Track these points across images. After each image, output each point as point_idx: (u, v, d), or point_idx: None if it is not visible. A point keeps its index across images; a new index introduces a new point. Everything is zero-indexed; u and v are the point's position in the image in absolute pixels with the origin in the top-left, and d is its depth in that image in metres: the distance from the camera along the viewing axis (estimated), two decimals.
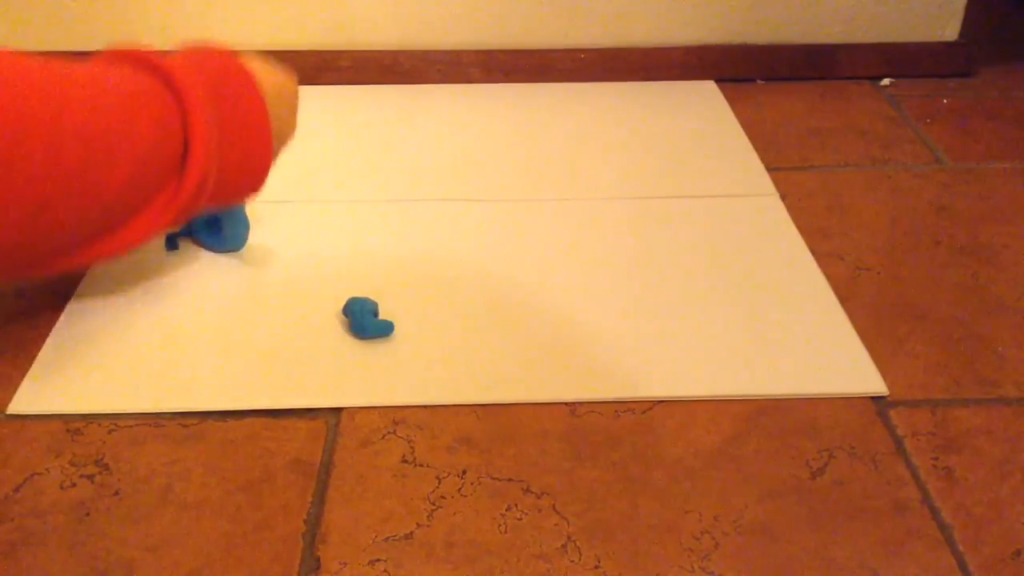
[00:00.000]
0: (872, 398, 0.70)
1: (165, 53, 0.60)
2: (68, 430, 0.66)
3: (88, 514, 0.60)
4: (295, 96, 0.73)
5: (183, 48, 0.65)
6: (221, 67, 0.63)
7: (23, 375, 0.70)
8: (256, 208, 0.82)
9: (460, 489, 0.62)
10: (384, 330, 0.73)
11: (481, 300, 0.78)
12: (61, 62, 0.51)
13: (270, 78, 0.68)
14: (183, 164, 0.55)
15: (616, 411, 0.68)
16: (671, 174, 0.97)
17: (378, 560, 0.57)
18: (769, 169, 0.98)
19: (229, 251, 0.82)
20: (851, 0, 1.15)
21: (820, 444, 0.66)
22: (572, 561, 0.57)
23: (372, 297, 0.76)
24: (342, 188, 0.94)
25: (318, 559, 0.57)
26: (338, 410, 0.68)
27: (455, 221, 0.89)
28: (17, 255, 0.50)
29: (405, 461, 0.64)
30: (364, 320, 0.73)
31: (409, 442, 0.65)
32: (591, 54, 1.15)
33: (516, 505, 0.61)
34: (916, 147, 1.04)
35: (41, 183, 0.47)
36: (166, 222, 0.56)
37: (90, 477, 0.63)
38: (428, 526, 0.59)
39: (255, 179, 0.67)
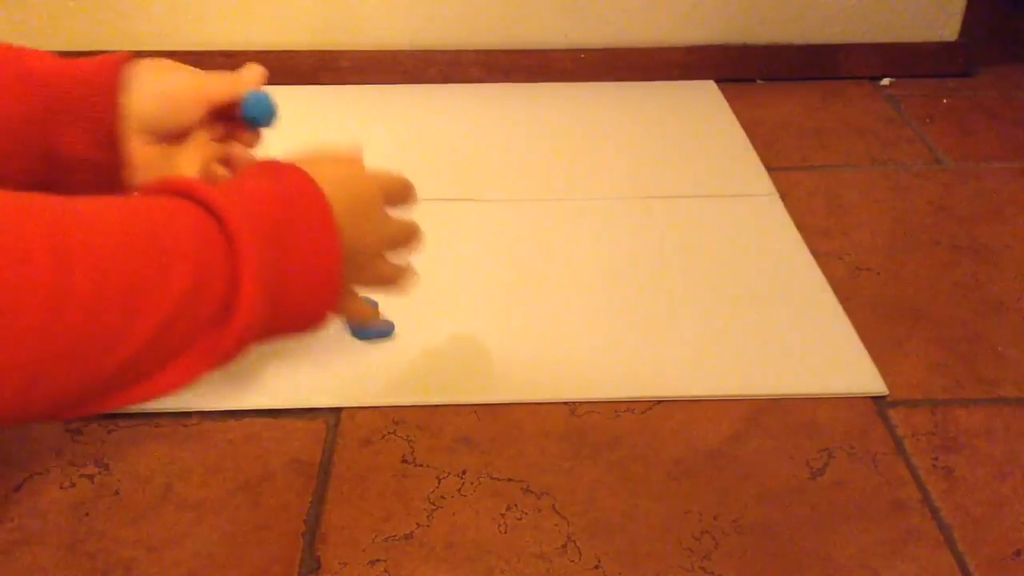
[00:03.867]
0: (872, 398, 0.70)
1: (225, 181, 0.53)
2: (68, 430, 0.66)
3: (88, 514, 0.60)
4: (374, 202, 0.60)
5: (248, 168, 0.57)
6: (287, 194, 0.54)
7: None
8: None
9: (460, 489, 0.62)
10: (384, 331, 0.73)
11: (481, 300, 0.78)
12: (87, 203, 0.45)
13: (344, 190, 0.56)
14: (230, 309, 0.48)
15: (616, 411, 0.68)
16: (671, 174, 0.97)
17: (378, 560, 0.57)
18: (769, 169, 0.98)
19: None
20: (851, 0, 1.15)
21: (820, 444, 0.66)
22: (572, 561, 0.57)
23: (372, 297, 0.76)
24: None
25: (318, 559, 0.57)
26: (338, 410, 0.68)
27: (455, 221, 0.89)
28: (22, 418, 0.44)
29: (405, 461, 0.64)
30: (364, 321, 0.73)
31: (409, 442, 0.65)
32: (591, 54, 1.15)
33: (516, 505, 0.61)
34: (916, 147, 1.04)
35: (33, 353, 0.41)
36: (207, 368, 0.49)
37: (90, 477, 0.63)
38: (428, 526, 0.59)
39: (315, 318, 0.56)
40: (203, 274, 0.47)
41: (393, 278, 0.61)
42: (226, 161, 0.68)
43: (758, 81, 1.18)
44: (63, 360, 0.43)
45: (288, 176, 0.54)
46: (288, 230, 0.52)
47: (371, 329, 0.73)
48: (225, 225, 0.48)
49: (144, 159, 0.63)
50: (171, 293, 0.45)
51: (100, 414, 0.49)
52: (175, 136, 0.64)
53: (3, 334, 0.40)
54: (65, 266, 0.42)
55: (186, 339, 0.47)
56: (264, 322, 0.50)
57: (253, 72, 0.69)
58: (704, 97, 1.13)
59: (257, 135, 0.70)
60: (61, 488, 0.62)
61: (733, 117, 1.08)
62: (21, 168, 0.62)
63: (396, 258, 0.61)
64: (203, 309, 0.47)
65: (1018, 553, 0.58)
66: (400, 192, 0.63)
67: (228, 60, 1.13)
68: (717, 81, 1.16)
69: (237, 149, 0.70)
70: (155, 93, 0.63)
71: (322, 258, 0.53)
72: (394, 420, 0.67)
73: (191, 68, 0.66)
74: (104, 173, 0.63)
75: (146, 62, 0.65)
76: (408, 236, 0.63)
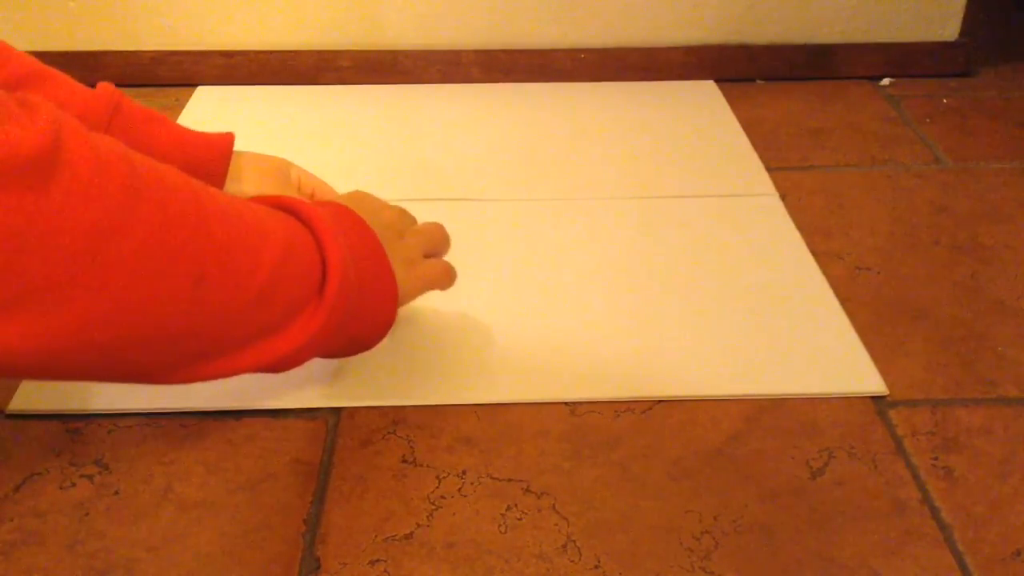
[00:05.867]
0: (872, 398, 0.70)
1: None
2: (67, 430, 0.66)
3: (88, 514, 0.60)
4: (395, 228, 0.68)
5: (319, 201, 0.64)
6: (356, 226, 0.61)
7: None
8: None
9: (460, 489, 0.62)
10: None
11: (481, 300, 0.78)
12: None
13: (376, 220, 0.64)
14: (322, 288, 0.54)
15: (616, 411, 0.68)
16: (671, 174, 0.97)
17: (378, 560, 0.57)
18: (769, 169, 0.98)
19: None
20: (851, 0, 1.15)
21: (820, 444, 0.66)
22: (572, 561, 0.57)
23: None
24: (342, 188, 0.93)
25: (318, 559, 0.57)
26: (338, 410, 0.68)
27: (454, 221, 0.89)
28: (183, 344, 0.49)
29: (405, 461, 0.64)
30: None
31: (409, 442, 0.65)
32: (591, 54, 1.15)
33: (516, 505, 0.61)
34: (916, 147, 1.04)
35: (196, 255, 0.46)
36: (308, 339, 0.54)
37: (90, 477, 0.63)
38: (428, 526, 0.59)
39: (377, 335, 0.64)
40: (297, 240, 0.53)
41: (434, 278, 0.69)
42: None
43: (758, 81, 1.18)
44: (218, 264, 0.48)
45: (348, 216, 0.61)
46: (356, 244, 0.59)
47: None
48: (308, 220, 0.55)
49: None
50: (277, 241, 0.51)
51: (179, 382, 0.52)
52: None
53: (171, 235, 0.45)
54: (199, 199, 0.48)
55: (296, 296, 0.53)
56: (349, 305, 0.56)
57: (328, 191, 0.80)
58: (704, 97, 1.13)
59: None
60: (61, 488, 0.62)
61: (733, 117, 1.08)
62: None
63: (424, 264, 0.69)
64: (304, 262, 0.53)
65: (1018, 553, 0.58)
66: (433, 237, 0.72)
67: (228, 60, 1.13)
68: (717, 81, 1.16)
69: None
70: (237, 192, 0.72)
71: (383, 282, 0.61)
72: (394, 420, 0.67)
73: (281, 168, 0.78)
74: None
75: (246, 158, 0.75)
76: (433, 242, 0.71)
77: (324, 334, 0.55)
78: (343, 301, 0.55)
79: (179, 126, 0.74)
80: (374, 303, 0.60)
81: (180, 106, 1.09)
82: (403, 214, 0.70)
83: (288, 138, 1.04)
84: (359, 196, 0.68)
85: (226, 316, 0.49)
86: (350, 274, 0.56)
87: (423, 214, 0.90)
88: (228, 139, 0.75)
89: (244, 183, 0.74)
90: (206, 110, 1.09)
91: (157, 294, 0.45)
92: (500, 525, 0.59)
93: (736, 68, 1.17)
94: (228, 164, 0.73)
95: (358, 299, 0.57)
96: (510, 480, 0.63)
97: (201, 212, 0.47)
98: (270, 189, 0.75)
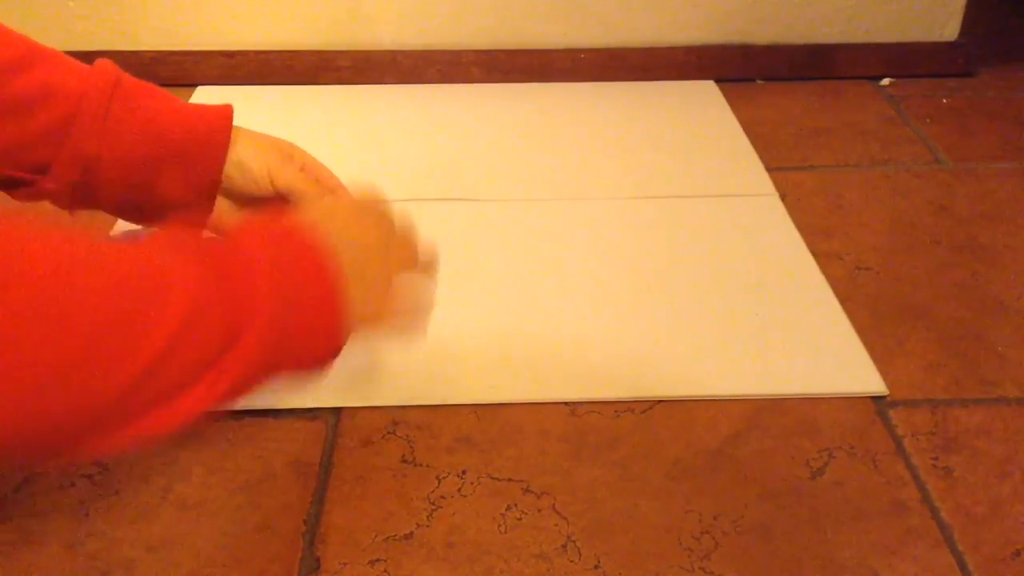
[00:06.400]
0: (872, 398, 0.70)
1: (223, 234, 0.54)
2: None
3: (88, 514, 0.60)
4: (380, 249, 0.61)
5: (244, 222, 0.57)
6: (287, 245, 0.55)
7: None
8: None
9: (460, 489, 0.62)
10: None
11: (481, 300, 0.78)
12: (86, 242, 0.46)
13: (352, 242, 0.57)
14: (233, 343, 0.49)
15: (616, 411, 0.68)
16: (671, 174, 0.97)
17: (378, 560, 0.57)
18: (769, 169, 0.98)
19: None
20: (851, 0, 1.15)
21: (820, 444, 0.66)
22: (572, 561, 0.57)
23: None
24: None
25: (318, 559, 0.57)
26: (338, 410, 0.68)
27: (454, 221, 0.89)
28: (36, 440, 0.45)
29: (405, 461, 0.64)
30: None
31: (409, 442, 0.65)
32: (591, 54, 1.15)
33: (516, 505, 0.61)
34: (916, 147, 1.04)
35: (54, 353, 0.42)
36: (213, 400, 0.51)
37: (89, 477, 0.63)
38: (428, 526, 0.59)
39: (318, 359, 0.56)
40: (206, 314, 0.48)
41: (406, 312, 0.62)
42: None
43: (758, 81, 1.18)
44: (67, 372, 0.43)
45: (296, 250, 0.55)
46: (285, 268, 0.53)
47: None
48: (240, 283, 0.50)
49: (223, 213, 0.71)
50: (168, 326, 0.46)
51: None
52: (248, 201, 0.71)
53: (19, 340, 0.41)
54: (70, 285, 0.43)
55: (194, 365, 0.48)
56: (259, 371, 0.50)
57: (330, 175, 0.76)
58: (704, 97, 1.13)
59: None
60: (61, 488, 0.62)
61: (733, 117, 1.08)
62: (118, 197, 0.68)
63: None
64: (205, 346, 0.48)
65: (1018, 553, 0.58)
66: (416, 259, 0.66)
67: (228, 60, 1.13)
68: (717, 81, 1.16)
69: None
70: (236, 160, 0.70)
71: (318, 295, 0.54)
72: (394, 420, 0.67)
73: (284, 147, 0.74)
74: (192, 215, 0.70)
75: (244, 132, 0.72)
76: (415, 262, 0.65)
77: (239, 388, 0.50)
78: (260, 355, 0.50)
79: (180, 101, 0.72)
80: (312, 344, 0.54)
81: None
82: (389, 235, 0.62)
83: (288, 138, 1.03)
84: (351, 209, 0.63)
85: (106, 397, 0.45)
86: (279, 324, 0.51)
87: (422, 214, 0.90)
88: (227, 111, 0.72)
89: (243, 156, 0.71)
90: None
91: (17, 392, 0.42)
92: (500, 525, 0.59)
93: (736, 68, 1.17)
94: (228, 137, 0.71)
95: (287, 347, 0.52)
96: (510, 480, 0.63)
97: (67, 302, 0.43)
98: (272, 165, 0.72)
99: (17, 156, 0.66)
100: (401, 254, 0.63)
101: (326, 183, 0.75)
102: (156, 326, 0.46)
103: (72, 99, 0.66)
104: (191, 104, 0.73)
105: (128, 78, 0.70)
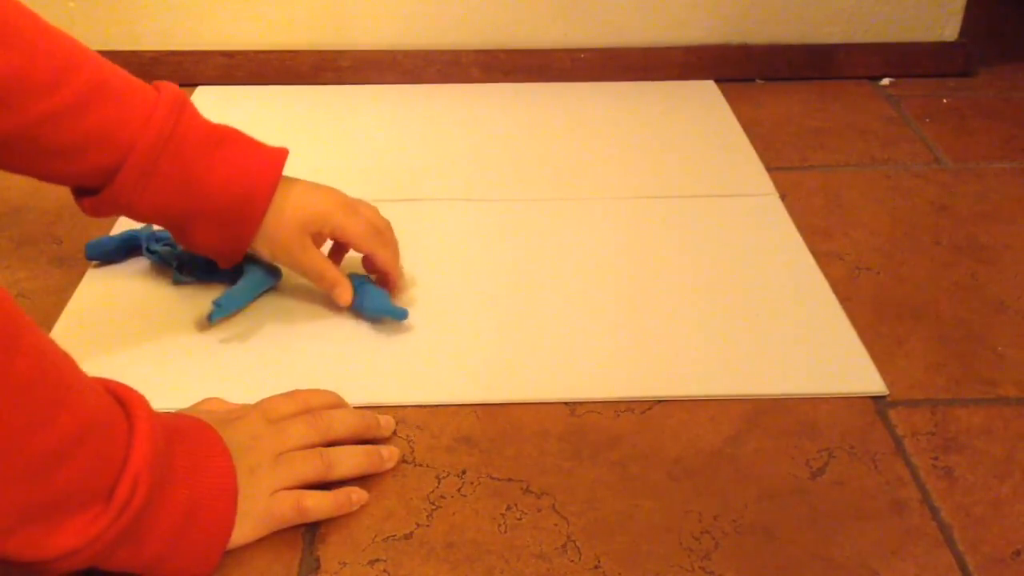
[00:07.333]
0: (872, 398, 0.70)
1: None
2: None
3: None
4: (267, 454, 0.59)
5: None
6: (193, 430, 0.57)
7: None
8: None
9: (460, 489, 0.62)
10: (397, 313, 0.74)
11: (481, 300, 0.78)
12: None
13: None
14: (112, 493, 0.49)
15: (616, 411, 0.68)
16: (671, 174, 0.97)
17: (378, 560, 0.57)
18: (769, 169, 0.98)
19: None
20: (851, 0, 1.15)
21: (820, 444, 0.66)
22: (572, 561, 0.57)
23: (383, 288, 0.76)
24: (341, 189, 0.93)
25: (318, 559, 0.57)
26: None
27: (454, 221, 0.89)
28: None
29: (405, 461, 0.64)
30: (362, 290, 0.74)
31: (409, 442, 0.65)
32: (591, 54, 1.15)
33: (516, 505, 0.61)
34: (916, 147, 1.04)
35: None
36: (87, 541, 0.48)
37: None
38: (428, 526, 0.59)
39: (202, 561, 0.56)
40: (96, 438, 0.49)
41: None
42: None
43: (758, 81, 1.18)
44: None
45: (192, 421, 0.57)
46: (185, 445, 0.54)
47: (373, 301, 0.74)
48: (132, 420, 0.51)
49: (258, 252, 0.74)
50: (65, 428, 0.47)
51: None
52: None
53: None
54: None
55: (80, 491, 0.48)
56: (130, 533, 0.50)
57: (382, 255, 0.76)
58: (704, 97, 1.13)
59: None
60: None
61: (733, 117, 1.08)
62: (154, 221, 0.71)
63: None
64: (91, 473, 0.48)
65: (1018, 553, 0.58)
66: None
67: (228, 60, 1.13)
68: (717, 81, 1.16)
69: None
70: (282, 222, 0.71)
71: (218, 485, 0.55)
72: (394, 420, 0.67)
73: (332, 199, 0.75)
74: (223, 258, 0.74)
75: (300, 185, 0.73)
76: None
77: (106, 541, 0.49)
78: (134, 512, 0.50)
79: (233, 147, 0.70)
80: (198, 535, 0.54)
81: None
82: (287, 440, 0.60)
83: (288, 138, 1.03)
84: (234, 413, 0.62)
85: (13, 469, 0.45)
86: (161, 491, 0.51)
87: (422, 214, 0.90)
88: (277, 165, 0.71)
89: (271, 230, 0.72)
90: (206, 110, 1.09)
91: None
92: (500, 525, 0.59)
93: (736, 68, 1.17)
94: (265, 208, 0.70)
95: (167, 523, 0.52)
96: (510, 480, 0.63)
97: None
98: (293, 245, 0.73)
99: (60, 182, 0.69)
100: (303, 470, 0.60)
101: (361, 247, 0.75)
102: (53, 429, 0.46)
103: (123, 150, 0.65)
104: (242, 155, 0.70)
105: (188, 119, 0.68)
